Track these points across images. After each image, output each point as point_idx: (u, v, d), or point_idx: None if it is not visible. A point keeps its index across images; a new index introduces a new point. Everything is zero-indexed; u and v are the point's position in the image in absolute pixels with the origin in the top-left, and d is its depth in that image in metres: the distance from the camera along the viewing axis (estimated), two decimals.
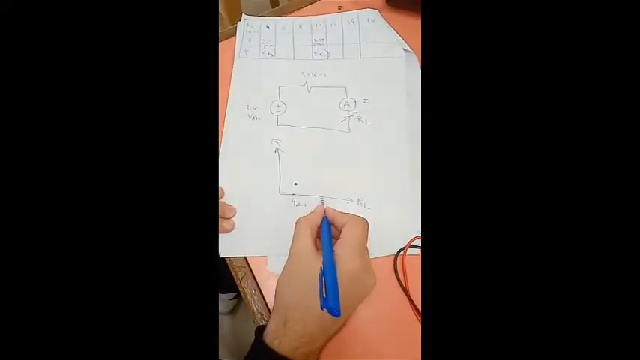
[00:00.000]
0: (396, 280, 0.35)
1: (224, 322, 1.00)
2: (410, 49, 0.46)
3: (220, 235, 0.37)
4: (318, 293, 0.27)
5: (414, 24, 0.48)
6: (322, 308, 0.26)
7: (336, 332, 0.32)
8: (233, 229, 0.37)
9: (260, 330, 0.31)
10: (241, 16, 0.49)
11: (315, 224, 0.32)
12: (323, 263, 0.29)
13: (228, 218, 0.37)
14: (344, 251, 0.30)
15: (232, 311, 0.98)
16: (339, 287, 0.27)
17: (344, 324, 0.32)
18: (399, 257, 0.36)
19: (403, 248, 0.36)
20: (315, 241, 0.32)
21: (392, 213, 0.37)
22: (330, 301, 0.26)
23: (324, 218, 0.33)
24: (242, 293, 0.36)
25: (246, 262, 0.37)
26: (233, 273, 0.37)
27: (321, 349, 0.31)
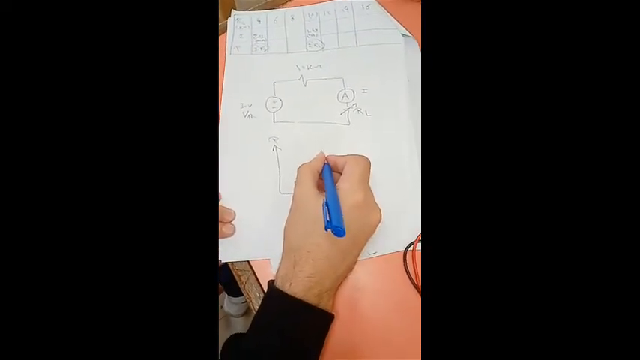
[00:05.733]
0: (407, 277, 0.33)
1: (237, 325, 1.00)
2: (409, 34, 0.44)
3: (221, 240, 0.35)
4: (323, 232, 0.27)
5: (411, 8, 0.46)
6: (326, 229, 0.26)
7: (346, 272, 0.32)
8: (233, 233, 0.36)
9: (271, 283, 0.31)
10: (231, 11, 0.47)
11: (317, 169, 0.33)
12: (325, 197, 0.29)
13: (228, 222, 0.36)
14: (346, 185, 0.30)
15: (245, 313, 0.98)
16: (343, 218, 0.27)
17: (353, 264, 0.33)
18: (408, 253, 0.34)
19: (412, 243, 0.34)
20: (318, 186, 0.32)
21: (398, 208, 0.35)
22: (334, 220, 0.26)
23: (326, 164, 0.34)
24: (246, 297, 0.35)
25: (249, 265, 0.36)
26: (236, 277, 0.36)
27: (333, 289, 0.31)
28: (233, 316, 0.99)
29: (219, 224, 0.35)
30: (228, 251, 0.35)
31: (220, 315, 1.00)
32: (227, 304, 0.98)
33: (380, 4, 0.46)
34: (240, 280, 0.35)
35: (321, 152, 0.35)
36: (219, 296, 0.99)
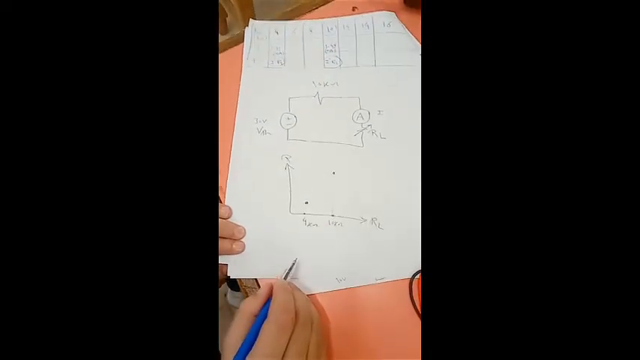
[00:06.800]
0: (412, 307, 0.34)
1: None
2: None
3: (230, 257, 0.36)
4: None
5: (411, 17, 0.45)
6: None
7: None
8: (243, 250, 0.36)
9: None
10: (249, 21, 0.47)
11: (254, 313, 0.28)
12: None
13: (238, 239, 0.36)
14: None
15: None
16: None
17: None
18: (414, 281, 0.35)
19: (419, 272, 0.35)
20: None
21: (407, 234, 0.36)
22: None
23: (267, 303, 0.28)
24: None
25: (257, 283, 0.36)
26: (243, 293, 0.37)
27: None
28: (235, 308, 1.01)
29: (229, 241, 0.36)
30: (237, 268, 0.36)
31: (222, 303, 1.02)
32: (230, 296, 1.00)
33: (400, 21, 0.45)
34: (248, 295, 0.36)
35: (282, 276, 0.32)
36: (223, 285, 1.01)
